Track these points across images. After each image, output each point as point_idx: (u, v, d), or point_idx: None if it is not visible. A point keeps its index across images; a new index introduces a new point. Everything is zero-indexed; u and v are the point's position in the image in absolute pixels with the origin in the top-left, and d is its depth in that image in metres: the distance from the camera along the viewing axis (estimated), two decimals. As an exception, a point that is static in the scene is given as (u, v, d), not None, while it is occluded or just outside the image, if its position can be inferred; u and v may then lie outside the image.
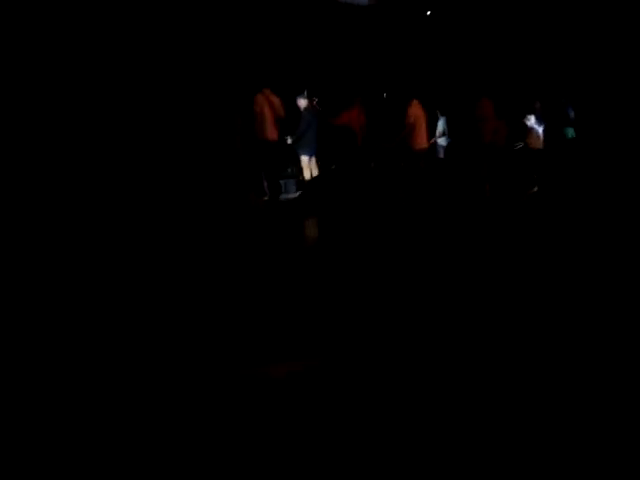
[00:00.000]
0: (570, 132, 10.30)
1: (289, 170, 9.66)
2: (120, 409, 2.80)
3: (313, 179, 8.74)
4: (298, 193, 8.89)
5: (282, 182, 9.18)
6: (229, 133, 7.90)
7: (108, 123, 6.41)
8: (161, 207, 6.52)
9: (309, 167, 8.95)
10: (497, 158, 9.84)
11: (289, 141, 8.88)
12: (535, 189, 9.77)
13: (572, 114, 10.25)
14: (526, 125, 10.01)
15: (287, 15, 9.28)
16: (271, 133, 8.42)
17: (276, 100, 8.54)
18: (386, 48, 10.64)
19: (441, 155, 10.87)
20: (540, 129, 10.06)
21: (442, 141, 10.79)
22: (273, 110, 8.44)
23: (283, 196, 9.00)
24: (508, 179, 9.91)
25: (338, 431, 2.56)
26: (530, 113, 10.02)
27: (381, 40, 10.44)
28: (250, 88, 8.38)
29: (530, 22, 9.71)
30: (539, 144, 10.04)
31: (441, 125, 10.77)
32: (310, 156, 8.97)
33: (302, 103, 9.03)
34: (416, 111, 9.31)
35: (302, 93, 9.18)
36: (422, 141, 9.47)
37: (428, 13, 10.45)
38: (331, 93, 9.12)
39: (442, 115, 10.82)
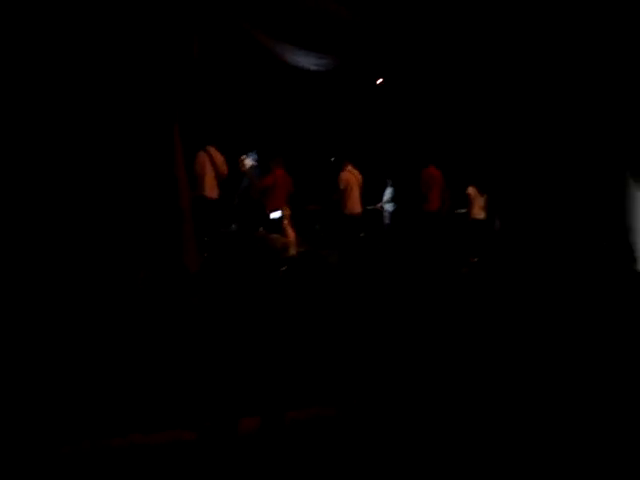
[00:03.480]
0: None
1: (232, 227, 9.52)
2: None
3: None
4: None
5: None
6: (171, 189, 7.75)
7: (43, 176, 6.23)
8: (95, 262, 6.29)
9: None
10: (441, 225, 9.92)
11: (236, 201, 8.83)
12: (476, 259, 9.83)
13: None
14: (469, 194, 10.16)
15: (238, 74, 9.33)
16: (210, 191, 8.32)
17: (219, 158, 8.48)
18: (335, 113, 10.78)
19: (387, 221, 10.94)
20: (482, 199, 10.22)
21: (389, 207, 10.88)
22: (215, 167, 8.37)
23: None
24: (450, 247, 9.96)
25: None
26: (473, 183, 10.19)
27: (330, 104, 10.56)
28: (195, 145, 8.31)
29: (475, 95, 9.94)
30: (481, 214, 10.18)
31: (388, 192, 10.89)
32: None
33: (247, 163, 9.02)
34: (349, 176, 9.20)
35: (249, 153, 9.18)
36: (354, 207, 9.32)
37: (379, 82, 10.62)
38: (268, 155, 9.08)
39: (390, 181, 10.95)
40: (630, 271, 7.54)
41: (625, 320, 5.55)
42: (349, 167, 9.30)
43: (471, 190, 10.15)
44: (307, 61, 8.63)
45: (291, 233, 9.02)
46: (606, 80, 8.04)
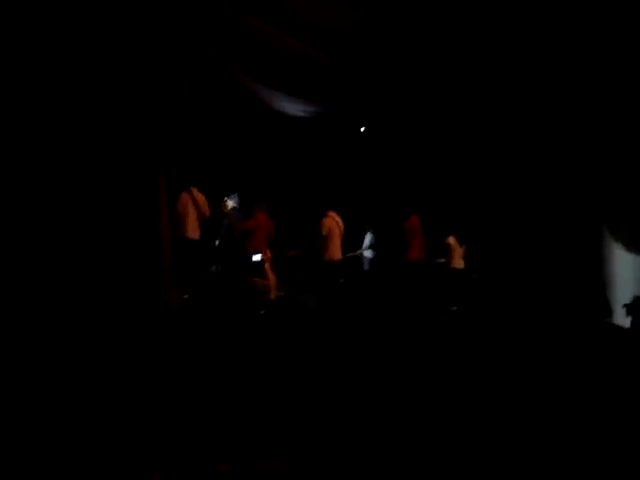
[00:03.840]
0: None
1: (213, 269, 9.50)
2: None
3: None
4: None
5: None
6: (153, 228, 7.72)
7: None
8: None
9: None
10: (420, 274, 9.98)
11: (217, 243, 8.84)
12: (454, 307, 9.86)
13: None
14: (449, 244, 10.26)
15: (224, 117, 9.44)
16: (192, 231, 8.31)
17: (201, 199, 8.50)
18: (316, 159, 10.90)
19: (366, 267, 10.98)
20: (462, 250, 10.33)
21: (368, 254, 10.94)
22: (197, 208, 8.38)
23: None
24: (429, 296, 9.99)
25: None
26: (453, 233, 10.31)
27: (312, 150, 10.70)
28: (178, 185, 8.33)
29: (455, 143, 10.15)
30: (461, 264, 10.27)
31: (368, 238, 10.95)
32: None
33: (229, 205, 9.06)
34: (330, 223, 9.23)
35: (232, 195, 9.23)
36: (334, 253, 9.30)
37: (362, 129, 10.80)
38: (251, 198, 9.15)
39: (370, 228, 11.04)
40: (605, 323, 7.62)
41: (599, 371, 5.59)
42: (331, 213, 9.34)
43: (451, 240, 10.26)
44: (293, 107, 8.78)
45: (272, 277, 9.01)
46: (580, 134, 8.27)
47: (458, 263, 10.27)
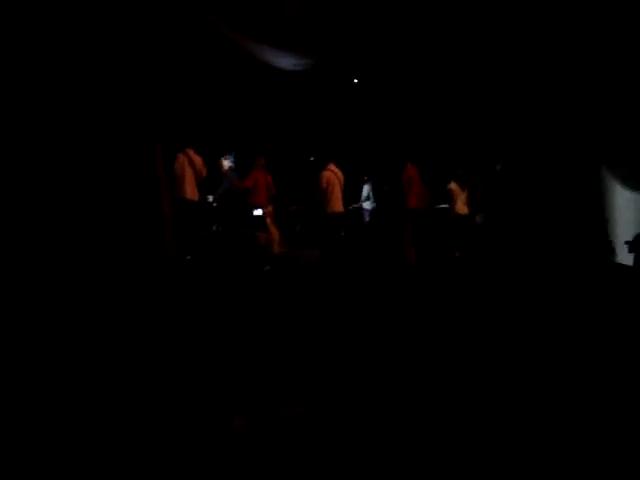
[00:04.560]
0: None
1: (214, 228, 9.49)
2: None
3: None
4: None
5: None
6: (152, 191, 7.68)
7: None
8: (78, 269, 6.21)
9: None
10: (421, 222, 9.96)
11: (210, 199, 8.80)
12: (458, 253, 9.90)
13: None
14: (450, 190, 10.21)
15: (214, 75, 9.29)
16: (191, 193, 8.27)
17: (198, 159, 8.44)
18: (311, 112, 10.79)
19: (366, 219, 10.98)
20: (464, 195, 10.28)
21: (367, 205, 10.92)
22: (194, 169, 8.32)
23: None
24: (432, 243, 10.02)
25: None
26: (454, 179, 10.25)
27: (306, 104, 10.58)
28: (173, 146, 8.26)
29: (452, 90, 10.02)
30: (464, 209, 10.23)
31: (366, 190, 10.92)
32: None
33: (226, 165, 9.00)
34: (330, 176, 9.15)
35: (228, 154, 9.15)
36: (336, 206, 9.26)
37: (355, 81, 10.65)
38: (248, 155, 9.08)
39: (368, 180, 10.99)
40: (607, 262, 7.66)
41: (603, 311, 5.64)
42: (331, 166, 9.27)
43: (453, 186, 10.18)
44: (286, 61, 8.63)
45: (274, 231, 9.04)
46: (578, 70, 8.15)
47: (461, 209, 10.21)
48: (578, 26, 7.67)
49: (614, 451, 2.86)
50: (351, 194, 10.35)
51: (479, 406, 3.59)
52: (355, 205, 10.80)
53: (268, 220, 8.98)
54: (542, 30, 7.94)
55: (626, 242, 7.34)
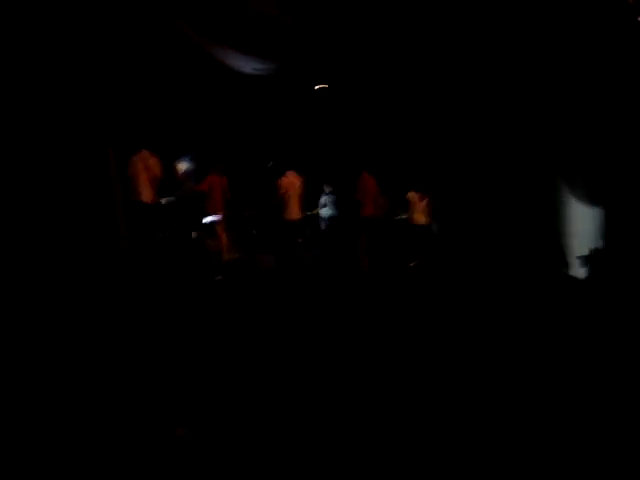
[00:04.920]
0: None
1: (163, 233, 9.26)
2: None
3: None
4: None
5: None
6: (106, 195, 7.46)
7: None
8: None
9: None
10: (377, 231, 9.97)
11: (163, 202, 8.61)
12: (415, 262, 9.90)
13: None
14: (408, 199, 10.20)
15: (177, 77, 9.11)
16: (146, 195, 8.06)
17: (153, 161, 8.23)
18: (271, 118, 10.70)
19: (323, 226, 10.90)
20: (423, 204, 10.28)
21: (324, 212, 10.85)
22: (148, 172, 8.12)
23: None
24: (388, 252, 10.03)
25: None
26: (413, 188, 10.24)
27: (267, 109, 10.48)
28: (130, 148, 8.04)
29: (411, 100, 10.06)
30: (422, 219, 10.23)
31: (324, 197, 10.86)
32: None
33: (181, 168, 8.82)
34: (286, 183, 9.18)
35: (184, 158, 8.96)
36: (293, 213, 9.28)
37: (316, 87, 10.59)
38: (206, 160, 8.94)
39: (328, 187, 10.93)
40: (561, 275, 7.78)
41: (555, 321, 5.74)
42: (289, 174, 9.29)
43: (411, 195, 10.19)
44: (247, 65, 8.52)
45: (224, 238, 8.91)
46: (537, 83, 8.26)
47: (419, 218, 10.22)
48: (538, 39, 7.77)
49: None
50: (310, 200, 10.28)
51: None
52: (313, 212, 10.73)
53: (218, 227, 8.86)
54: (499, 40, 8.01)
55: (578, 257, 7.48)
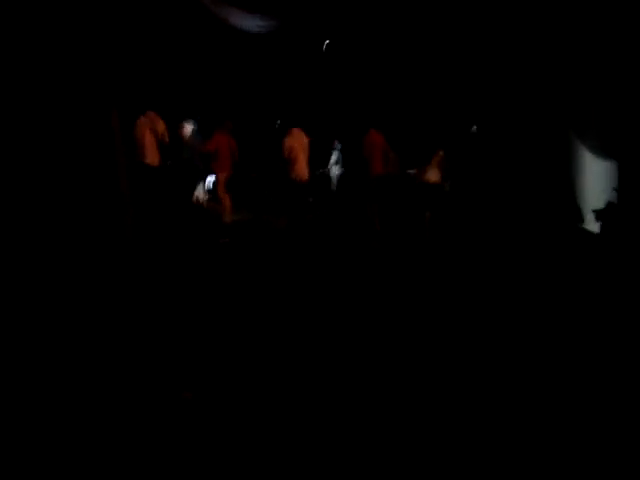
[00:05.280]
0: None
1: (167, 194, 9.19)
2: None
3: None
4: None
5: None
6: (109, 156, 7.40)
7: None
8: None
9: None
10: (389, 189, 9.80)
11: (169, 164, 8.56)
12: (429, 214, 9.73)
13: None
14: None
15: (178, 38, 8.96)
16: (151, 157, 8.01)
17: (160, 124, 8.15)
18: (278, 76, 10.52)
19: (334, 185, 10.79)
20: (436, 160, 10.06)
21: (335, 170, 10.73)
22: (155, 134, 8.05)
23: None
24: (401, 210, 9.88)
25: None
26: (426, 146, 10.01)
27: (273, 68, 10.30)
28: (134, 110, 7.95)
29: (427, 55, 9.82)
30: (434, 176, 10.02)
31: (335, 155, 10.72)
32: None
33: (187, 129, 8.69)
34: (293, 142, 8.89)
35: (191, 119, 8.83)
36: (299, 173, 9.02)
37: (325, 44, 10.38)
38: (210, 119, 8.81)
39: (337, 144, 10.79)
40: (576, 229, 7.66)
41: (570, 276, 5.68)
42: (294, 132, 9.01)
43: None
44: (250, 23, 8.35)
45: (226, 200, 8.83)
46: (552, 41, 8.02)
47: (432, 175, 10.01)
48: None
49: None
50: (321, 158, 10.14)
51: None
52: (323, 170, 10.58)
53: (219, 188, 8.77)
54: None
55: (593, 210, 7.34)
